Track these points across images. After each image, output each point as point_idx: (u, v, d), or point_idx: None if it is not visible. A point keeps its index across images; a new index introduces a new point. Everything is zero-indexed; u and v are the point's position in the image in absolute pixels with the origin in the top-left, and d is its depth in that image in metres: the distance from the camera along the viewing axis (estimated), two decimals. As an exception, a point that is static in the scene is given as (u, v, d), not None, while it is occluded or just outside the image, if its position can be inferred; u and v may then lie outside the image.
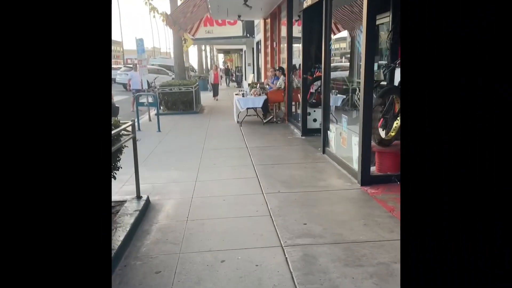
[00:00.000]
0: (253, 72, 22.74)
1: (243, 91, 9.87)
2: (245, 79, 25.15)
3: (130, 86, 14.46)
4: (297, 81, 9.67)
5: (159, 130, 9.12)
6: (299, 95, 9.00)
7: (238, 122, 9.97)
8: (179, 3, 12.47)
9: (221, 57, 58.08)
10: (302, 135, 7.88)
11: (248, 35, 17.67)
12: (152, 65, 30.72)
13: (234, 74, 31.88)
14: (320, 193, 4.48)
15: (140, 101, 9.47)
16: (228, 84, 32.83)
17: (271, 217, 3.77)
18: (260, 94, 9.55)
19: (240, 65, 30.86)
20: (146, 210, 4.05)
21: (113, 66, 37.61)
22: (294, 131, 8.49)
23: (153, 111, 11.72)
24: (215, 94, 17.37)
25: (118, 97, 19.38)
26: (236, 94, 10.29)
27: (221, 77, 29.76)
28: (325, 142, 6.28)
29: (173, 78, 17.77)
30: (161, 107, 12.97)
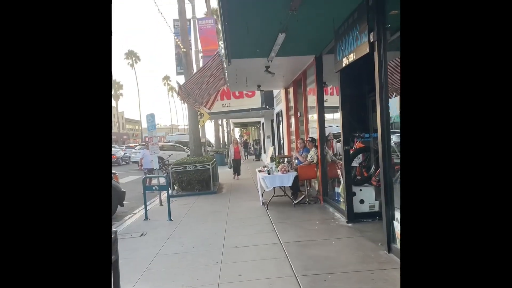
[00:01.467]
0: (273, 145, 21.62)
1: (268, 167, 8.41)
2: (264, 152, 23.97)
3: (141, 165, 13.26)
4: (331, 154, 8.22)
5: (169, 219, 7.57)
6: (335, 170, 7.48)
7: (263, 204, 8.39)
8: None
9: (237, 130, 58.28)
10: (347, 221, 6.20)
11: (267, 107, 16.74)
12: (169, 141, 30.24)
13: (252, 147, 30.90)
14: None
15: (148, 184, 8.07)
16: (246, 157, 31.96)
17: None
18: (288, 171, 8.07)
19: (258, 138, 29.98)
20: None
21: (129, 144, 37.51)
22: (335, 216, 6.83)
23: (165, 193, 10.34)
24: (236, 172, 14.65)
25: (130, 178, 18.27)
26: (260, 171, 8.82)
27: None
28: (390, 236, 4.60)
29: (188, 155, 16.67)
30: (175, 187, 11.58)
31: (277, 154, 16.97)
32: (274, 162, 8.54)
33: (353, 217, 6.23)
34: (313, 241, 5.36)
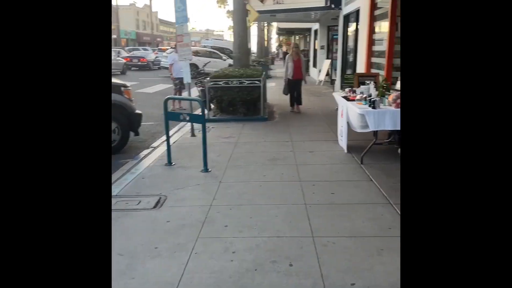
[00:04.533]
0: (329, 58, 17.83)
1: (365, 94, 5.18)
2: (314, 67, 20.25)
3: (172, 73, 10.25)
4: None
5: (205, 169, 4.71)
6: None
7: (349, 151, 5.35)
8: None
9: (274, 39, 52.93)
10: None
11: (333, 6, 12.77)
12: (204, 46, 26.72)
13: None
14: None
15: (173, 108, 5.10)
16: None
17: None
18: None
19: (307, 49, 25.90)
20: None
21: (161, 47, 34.12)
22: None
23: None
24: (296, 100, 9.23)
25: (159, 87, 15.42)
26: (347, 98, 5.58)
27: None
28: None
29: (230, 65, 13.35)
30: (211, 107, 8.63)
31: (336, 71, 13.40)
32: (378, 90, 5.25)
33: None
34: None
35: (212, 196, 3.96)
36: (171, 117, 5.01)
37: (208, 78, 8.32)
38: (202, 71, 11.21)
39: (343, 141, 5.61)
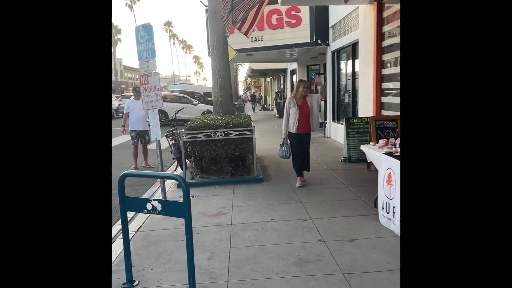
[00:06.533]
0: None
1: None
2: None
3: (124, 125, 8.21)
4: None
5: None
6: None
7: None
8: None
9: (240, 84, 51.84)
10: None
11: (319, 41, 11.37)
12: (172, 91, 24.93)
13: (275, 101, 25.76)
14: None
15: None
16: (254, 109, 27.13)
17: None
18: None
19: (281, 90, 24.65)
20: None
21: (126, 94, 32.02)
22: None
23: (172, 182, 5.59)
24: (303, 166, 5.99)
25: (117, 140, 12.57)
26: (391, 154, 3.76)
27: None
28: None
29: (208, 111, 11.56)
30: (187, 166, 6.67)
31: (327, 113, 11.66)
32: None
33: None
34: None
35: None
36: (130, 206, 2.95)
37: (183, 130, 6.36)
38: (173, 119, 9.23)
39: (396, 222, 3.72)
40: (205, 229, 4.16)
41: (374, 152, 4.29)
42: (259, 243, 3.71)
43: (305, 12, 11.33)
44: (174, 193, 5.78)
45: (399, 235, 3.64)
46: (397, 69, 6.94)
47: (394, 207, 3.74)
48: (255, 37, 11.93)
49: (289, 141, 5.81)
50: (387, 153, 4.01)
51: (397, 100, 6.99)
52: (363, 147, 4.72)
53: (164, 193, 5.27)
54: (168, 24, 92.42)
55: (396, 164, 3.69)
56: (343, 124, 8.71)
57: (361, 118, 7.67)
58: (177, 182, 5.65)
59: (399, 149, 3.99)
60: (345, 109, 10.63)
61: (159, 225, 4.34)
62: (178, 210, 2.70)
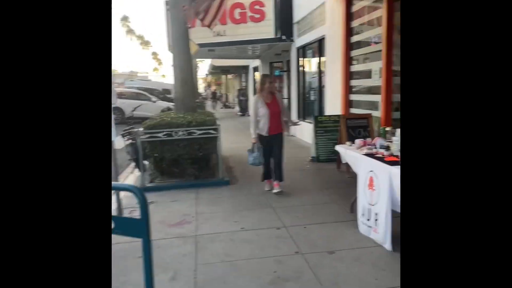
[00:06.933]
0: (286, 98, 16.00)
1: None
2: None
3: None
4: None
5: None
6: None
7: (395, 251, 3.18)
8: None
9: (201, 79, 50.65)
10: None
11: (283, 37, 11.05)
12: (130, 88, 23.81)
13: (237, 99, 25.25)
14: None
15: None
16: (214, 107, 26.62)
17: None
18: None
19: (244, 88, 24.23)
20: None
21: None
22: None
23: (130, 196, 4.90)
24: (275, 175, 5.41)
25: None
26: (384, 160, 3.45)
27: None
28: None
29: (169, 108, 11.01)
30: (146, 168, 6.11)
31: (290, 111, 11.35)
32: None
33: None
34: None
35: None
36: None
37: (141, 129, 5.79)
38: (130, 117, 8.58)
39: (379, 230, 3.41)
40: (167, 242, 3.67)
41: (352, 153, 3.97)
42: (229, 258, 3.28)
43: (269, 7, 10.98)
44: (131, 199, 5.21)
45: (385, 246, 3.34)
46: (366, 66, 6.73)
47: (376, 213, 3.43)
48: (218, 32, 11.43)
49: (261, 146, 5.17)
50: (367, 154, 3.70)
51: (366, 97, 6.78)
52: (339, 148, 4.40)
53: (119, 205, 4.65)
54: (125, 19, 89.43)
55: (379, 167, 3.38)
56: (309, 122, 8.44)
57: (330, 116, 7.40)
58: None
59: (381, 150, 3.69)
60: (310, 107, 10.38)
61: (114, 238, 3.79)
62: (135, 228, 2.21)
